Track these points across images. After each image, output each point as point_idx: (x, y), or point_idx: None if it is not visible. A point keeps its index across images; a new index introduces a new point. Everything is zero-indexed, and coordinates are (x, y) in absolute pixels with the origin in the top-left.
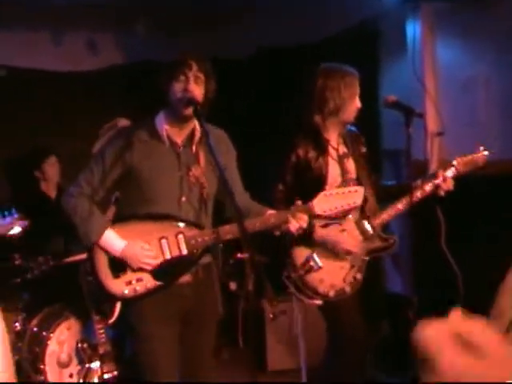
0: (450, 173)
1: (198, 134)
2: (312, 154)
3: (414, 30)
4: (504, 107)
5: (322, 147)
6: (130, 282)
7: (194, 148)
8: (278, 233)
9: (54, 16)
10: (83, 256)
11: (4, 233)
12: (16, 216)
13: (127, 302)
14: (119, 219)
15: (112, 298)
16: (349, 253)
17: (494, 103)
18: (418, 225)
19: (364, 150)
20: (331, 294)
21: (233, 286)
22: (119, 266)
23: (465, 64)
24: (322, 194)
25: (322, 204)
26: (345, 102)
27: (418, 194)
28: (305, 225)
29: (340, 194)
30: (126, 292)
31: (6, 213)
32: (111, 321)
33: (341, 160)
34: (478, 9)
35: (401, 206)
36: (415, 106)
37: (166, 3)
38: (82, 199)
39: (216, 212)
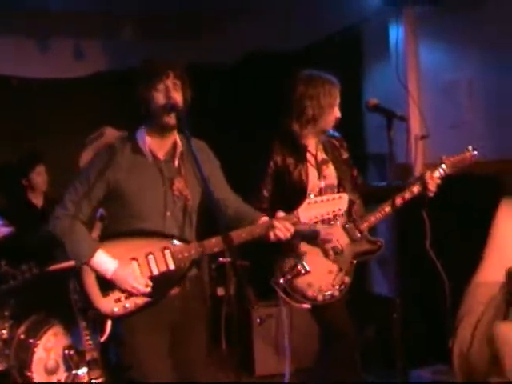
0: (437, 173)
1: (179, 148)
2: (290, 161)
3: (396, 34)
4: (487, 109)
5: (299, 154)
6: (119, 300)
7: (176, 162)
8: (272, 237)
9: (40, 23)
10: (68, 264)
11: None
12: (0, 222)
13: (117, 319)
14: (105, 237)
15: (102, 317)
16: (338, 249)
17: (477, 106)
18: (404, 227)
19: (346, 155)
20: (320, 297)
21: (220, 291)
22: (107, 283)
23: (447, 67)
24: (306, 203)
25: (306, 212)
26: (323, 111)
27: (406, 196)
28: (289, 234)
29: (324, 202)
30: (116, 310)
31: None
32: (103, 338)
33: (319, 166)
34: (459, 12)
35: (388, 208)
36: (399, 109)
37: (152, 10)
38: (69, 220)
39: (207, 222)
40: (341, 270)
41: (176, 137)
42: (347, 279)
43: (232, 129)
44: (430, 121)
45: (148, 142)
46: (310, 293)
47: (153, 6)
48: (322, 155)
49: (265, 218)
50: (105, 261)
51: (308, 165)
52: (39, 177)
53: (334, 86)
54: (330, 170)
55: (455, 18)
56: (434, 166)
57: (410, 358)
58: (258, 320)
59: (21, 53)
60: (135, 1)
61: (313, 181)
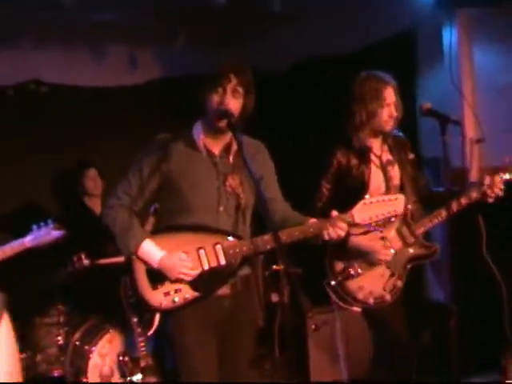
0: (499, 178)
1: (234, 145)
2: (354, 162)
3: (450, 36)
4: None
5: (363, 155)
6: (168, 293)
7: (231, 158)
8: (318, 242)
9: (93, 32)
10: (119, 258)
11: (40, 243)
12: (51, 226)
13: (166, 313)
14: (158, 230)
15: (151, 310)
16: (381, 262)
17: None
18: (459, 232)
19: (411, 156)
20: (370, 301)
21: (274, 297)
22: (157, 277)
23: (502, 69)
24: (361, 203)
25: (361, 213)
26: (372, 114)
27: (463, 201)
28: (343, 234)
29: (380, 202)
30: (165, 303)
31: (42, 223)
32: (150, 332)
33: (384, 167)
34: None
35: (444, 213)
36: (453, 112)
37: (205, 17)
38: (121, 210)
39: (257, 224)
40: (393, 274)
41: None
42: (399, 283)
43: (284, 135)
44: (484, 124)
45: (202, 137)
46: (360, 296)
47: (206, 13)
48: (387, 156)
49: (312, 220)
50: (152, 250)
51: (372, 166)
52: (91, 181)
53: (384, 85)
54: (395, 171)
55: (510, 19)
56: (497, 171)
57: (465, 364)
58: (313, 326)
59: (75, 61)
60: (188, 8)
61: (377, 182)
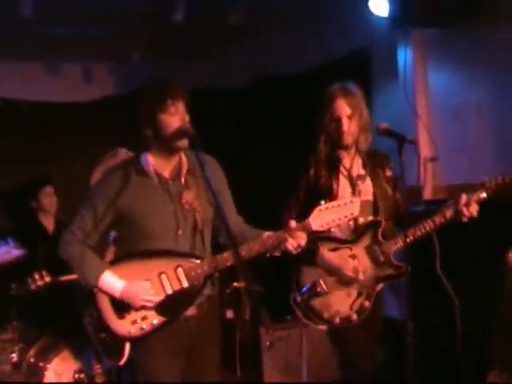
0: (476, 198)
1: (185, 167)
2: (323, 173)
3: (405, 56)
4: (496, 132)
5: (332, 167)
6: (135, 321)
7: (182, 180)
8: (278, 254)
9: (49, 47)
10: None
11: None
12: (11, 245)
13: (135, 341)
14: (118, 259)
15: (120, 339)
16: (352, 280)
17: (486, 128)
18: (414, 250)
19: (389, 173)
20: (336, 320)
21: (229, 314)
22: (122, 306)
23: (456, 89)
24: (317, 210)
25: (318, 219)
26: (323, 127)
27: (437, 220)
28: (303, 242)
29: (336, 207)
30: (133, 331)
31: (2, 242)
32: (122, 362)
33: (353, 180)
34: (468, 35)
35: (418, 232)
36: (408, 132)
37: (162, 34)
38: (77, 246)
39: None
40: (361, 293)
41: (181, 155)
42: (367, 303)
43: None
44: (438, 143)
45: (152, 163)
46: (326, 315)
47: (161, 28)
48: (358, 170)
49: (268, 233)
50: (112, 281)
51: (341, 177)
52: (48, 198)
53: (334, 98)
54: (367, 186)
55: (464, 40)
56: (474, 189)
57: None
58: (268, 343)
59: (30, 76)
60: (144, 24)
61: (344, 194)
